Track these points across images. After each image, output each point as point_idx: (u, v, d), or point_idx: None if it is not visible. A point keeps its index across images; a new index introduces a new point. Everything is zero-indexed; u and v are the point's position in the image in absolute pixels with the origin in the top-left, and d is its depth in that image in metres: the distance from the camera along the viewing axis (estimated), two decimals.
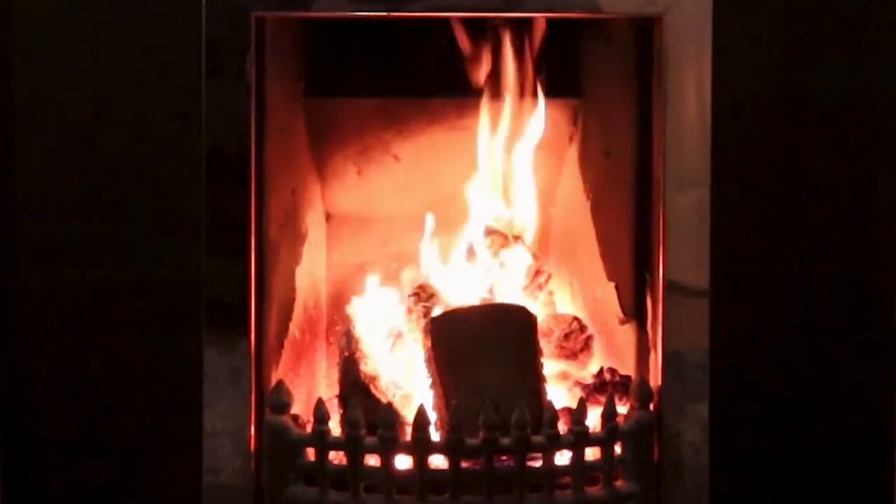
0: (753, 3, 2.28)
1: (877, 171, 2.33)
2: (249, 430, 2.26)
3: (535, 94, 2.60)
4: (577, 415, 2.24)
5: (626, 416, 2.29)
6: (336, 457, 2.23)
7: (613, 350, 2.51)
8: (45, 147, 2.26)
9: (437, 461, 2.22)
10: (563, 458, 2.24)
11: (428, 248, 2.60)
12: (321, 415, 2.22)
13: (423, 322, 2.43)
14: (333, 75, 2.61)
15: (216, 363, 2.24)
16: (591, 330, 2.54)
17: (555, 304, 2.63)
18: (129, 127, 2.26)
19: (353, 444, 2.20)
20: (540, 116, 2.61)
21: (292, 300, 2.45)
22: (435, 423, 2.30)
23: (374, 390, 2.41)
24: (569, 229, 2.69)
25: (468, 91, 2.59)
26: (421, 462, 2.20)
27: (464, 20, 2.52)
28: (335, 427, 2.27)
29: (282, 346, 2.39)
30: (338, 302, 2.65)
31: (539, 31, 2.57)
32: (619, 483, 2.27)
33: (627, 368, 2.43)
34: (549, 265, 2.66)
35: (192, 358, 2.25)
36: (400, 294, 2.55)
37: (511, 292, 2.55)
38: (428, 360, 2.38)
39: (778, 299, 2.33)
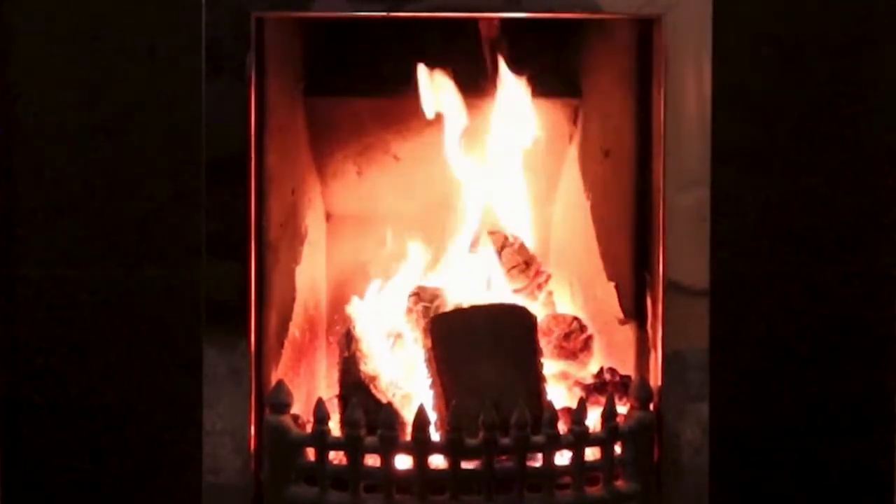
0: (753, 3, 2.28)
1: (877, 170, 2.33)
2: (249, 430, 2.26)
3: (534, 94, 2.60)
4: (577, 415, 2.24)
5: (626, 416, 2.29)
6: (336, 457, 2.23)
7: (613, 350, 2.51)
8: (44, 147, 2.26)
9: (437, 461, 2.22)
10: (563, 458, 2.24)
11: (426, 249, 2.61)
12: (321, 415, 2.22)
13: (423, 322, 2.43)
14: (333, 75, 2.61)
15: (216, 363, 2.24)
16: (591, 330, 2.54)
17: (555, 304, 2.62)
18: (129, 127, 2.26)
19: (353, 444, 2.20)
20: (540, 116, 2.61)
21: (292, 300, 2.45)
22: (435, 423, 2.30)
23: (374, 390, 2.41)
24: (569, 229, 2.69)
25: (468, 91, 2.59)
26: (421, 462, 2.20)
27: (463, 20, 2.52)
28: (335, 427, 2.27)
29: (282, 346, 2.39)
30: (338, 302, 2.65)
31: (539, 31, 2.57)
32: (619, 483, 2.27)
33: (627, 368, 2.43)
34: (549, 265, 2.66)
35: (192, 358, 2.25)
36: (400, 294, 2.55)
37: (511, 292, 2.55)
38: (428, 360, 2.38)
39: (778, 299, 2.32)
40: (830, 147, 2.32)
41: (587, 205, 2.60)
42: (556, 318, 2.56)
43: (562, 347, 2.52)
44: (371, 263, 2.65)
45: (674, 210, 2.27)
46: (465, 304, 2.45)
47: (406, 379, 2.44)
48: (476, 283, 2.54)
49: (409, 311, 2.49)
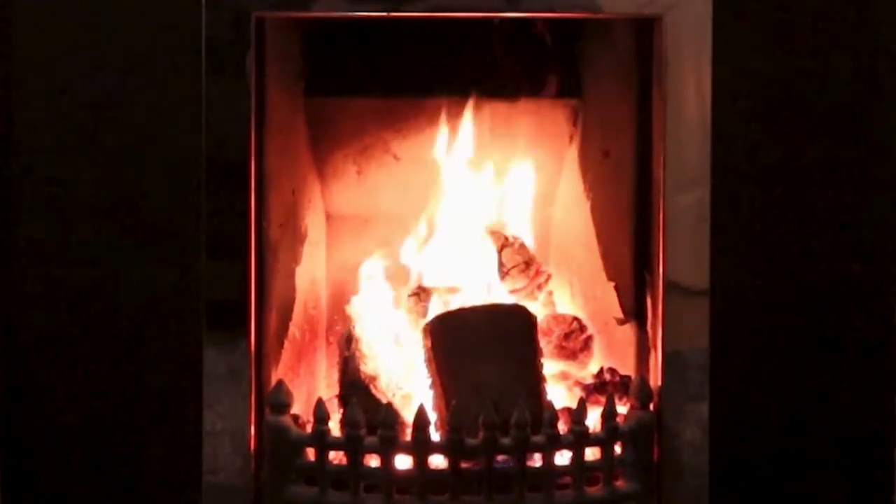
0: (753, 3, 2.28)
1: (877, 170, 2.33)
2: (249, 430, 2.26)
3: (534, 94, 2.60)
4: (577, 415, 2.24)
5: (626, 416, 2.29)
6: (336, 457, 2.23)
7: (613, 350, 2.51)
8: (44, 147, 2.26)
9: (437, 461, 2.22)
10: (563, 458, 2.24)
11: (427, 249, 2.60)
12: (321, 415, 2.22)
13: (423, 322, 2.43)
14: (333, 75, 2.61)
15: (216, 363, 2.24)
16: (591, 330, 2.54)
17: (555, 304, 2.63)
18: (129, 127, 2.26)
19: (353, 444, 2.21)
20: (539, 117, 2.61)
21: (292, 300, 2.45)
22: (435, 423, 2.30)
23: (374, 390, 2.41)
24: (569, 229, 2.69)
25: (468, 91, 2.59)
26: (421, 462, 2.20)
27: (463, 20, 2.52)
28: (335, 427, 2.27)
29: (282, 346, 2.39)
30: (338, 302, 2.64)
31: (539, 30, 2.57)
32: (619, 483, 2.27)
33: (627, 368, 2.43)
34: (549, 265, 2.66)
35: (192, 358, 2.25)
36: (398, 294, 2.55)
37: (511, 292, 2.55)
38: (428, 360, 2.38)
39: (778, 299, 2.32)
40: (830, 146, 2.31)
41: (587, 205, 2.60)
42: (556, 318, 2.56)
43: (562, 347, 2.52)
44: (370, 263, 2.64)
45: (674, 210, 2.27)
46: (465, 304, 2.45)
47: (406, 379, 2.44)
48: (476, 283, 2.54)
49: (409, 311, 2.49)
